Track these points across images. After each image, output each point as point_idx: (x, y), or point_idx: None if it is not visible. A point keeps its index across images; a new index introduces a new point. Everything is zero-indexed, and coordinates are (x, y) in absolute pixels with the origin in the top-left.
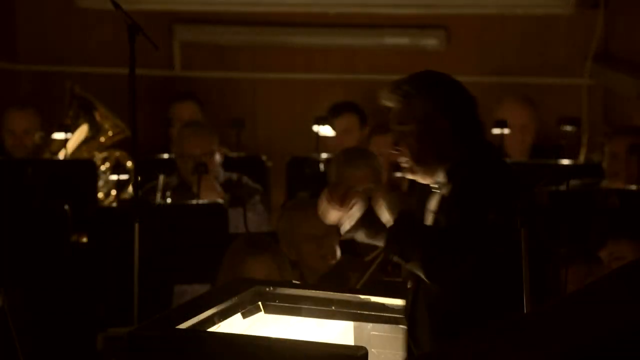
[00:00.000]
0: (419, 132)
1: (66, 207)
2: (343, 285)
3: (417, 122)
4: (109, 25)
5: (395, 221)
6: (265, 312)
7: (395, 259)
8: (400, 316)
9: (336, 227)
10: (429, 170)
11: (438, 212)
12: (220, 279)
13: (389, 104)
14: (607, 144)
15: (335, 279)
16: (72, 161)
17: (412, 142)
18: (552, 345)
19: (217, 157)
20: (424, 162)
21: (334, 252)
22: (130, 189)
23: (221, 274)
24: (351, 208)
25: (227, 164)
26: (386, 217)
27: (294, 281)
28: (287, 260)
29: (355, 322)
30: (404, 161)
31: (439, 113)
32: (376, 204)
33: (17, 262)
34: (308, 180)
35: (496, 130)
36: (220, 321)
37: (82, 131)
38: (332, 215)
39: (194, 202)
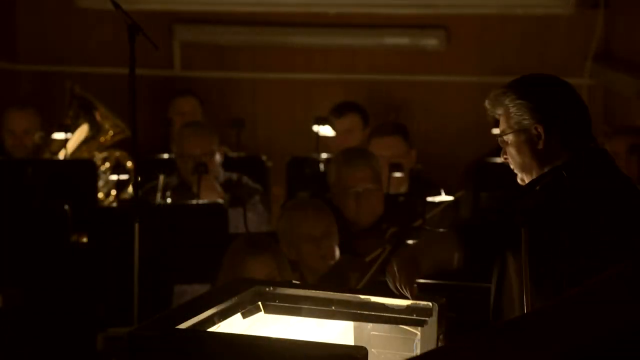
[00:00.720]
0: (517, 141)
1: (66, 207)
2: (343, 285)
3: (513, 131)
4: (109, 25)
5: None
6: (265, 312)
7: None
8: (401, 316)
9: (335, 228)
10: (536, 175)
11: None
12: (220, 279)
13: (491, 114)
14: (607, 144)
15: (335, 279)
16: (72, 161)
17: (512, 151)
18: (552, 345)
19: (218, 157)
20: (527, 171)
21: (333, 252)
22: (130, 189)
23: (221, 274)
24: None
25: (227, 164)
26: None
27: (294, 281)
28: (286, 260)
29: (355, 322)
30: (513, 168)
31: (535, 121)
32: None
33: (17, 262)
34: (308, 180)
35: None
36: (220, 321)
37: (82, 131)
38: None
39: (194, 202)
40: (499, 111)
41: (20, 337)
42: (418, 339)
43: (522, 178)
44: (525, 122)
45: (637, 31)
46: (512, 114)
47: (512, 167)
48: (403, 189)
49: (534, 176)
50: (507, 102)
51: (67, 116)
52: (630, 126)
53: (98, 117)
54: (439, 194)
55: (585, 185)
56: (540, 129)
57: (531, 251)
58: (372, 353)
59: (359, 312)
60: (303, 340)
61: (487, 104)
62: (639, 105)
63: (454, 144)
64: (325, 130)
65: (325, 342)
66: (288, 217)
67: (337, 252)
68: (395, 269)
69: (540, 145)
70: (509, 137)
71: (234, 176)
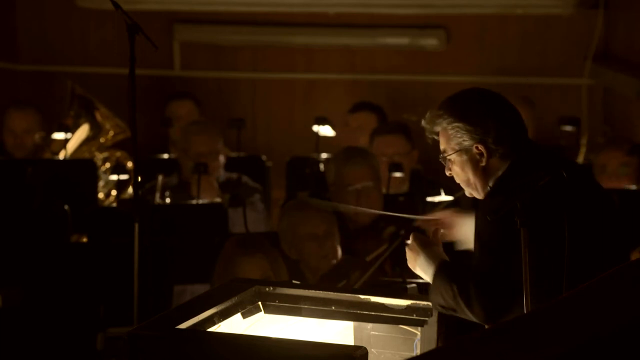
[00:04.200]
0: (459, 161)
1: (66, 207)
2: (343, 285)
3: (455, 152)
4: (109, 25)
5: (435, 279)
6: (265, 312)
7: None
8: (401, 316)
9: (336, 227)
10: (481, 190)
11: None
12: (215, 280)
13: (430, 135)
14: (598, 156)
15: (336, 278)
16: (72, 161)
17: (456, 169)
18: (552, 345)
19: (221, 158)
20: (472, 186)
21: (335, 251)
22: (130, 189)
23: (215, 275)
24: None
25: (227, 164)
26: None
27: (294, 281)
28: (281, 260)
29: (355, 322)
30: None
31: (474, 142)
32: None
33: (17, 262)
34: (308, 180)
35: None
36: (220, 321)
37: (83, 131)
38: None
39: (194, 202)
40: (437, 132)
41: (20, 337)
42: (418, 339)
43: (470, 192)
44: (466, 142)
45: (637, 31)
46: (452, 136)
47: (457, 181)
48: (403, 189)
49: (480, 191)
50: (444, 124)
51: (68, 116)
52: (622, 138)
53: (99, 117)
54: (439, 194)
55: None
56: (481, 148)
57: (531, 251)
58: (372, 353)
59: (359, 312)
60: (303, 340)
61: (424, 124)
62: (639, 106)
63: None
64: (325, 130)
65: (325, 342)
66: (290, 216)
67: (339, 252)
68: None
69: (484, 162)
70: (452, 157)
71: (234, 176)
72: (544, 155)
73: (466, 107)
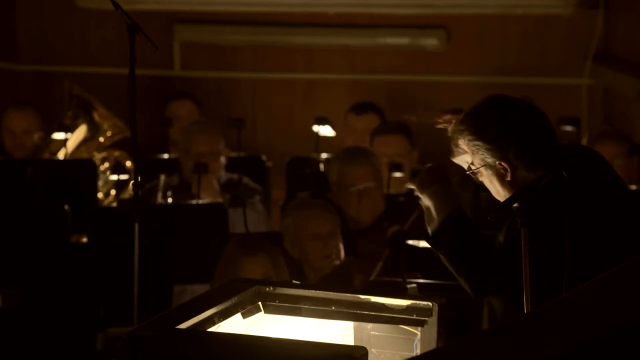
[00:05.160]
0: (485, 175)
1: (66, 207)
2: (346, 287)
3: (480, 167)
4: (109, 25)
5: (446, 221)
6: (265, 312)
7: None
8: (401, 316)
9: (339, 228)
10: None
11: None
12: (216, 280)
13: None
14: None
15: (338, 280)
16: (72, 161)
17: (484, 181)
18: (551, 345)
19: (222, 159)
20: (502, 198)
21: (339, 252)
22: (130, 189)
23: (217, 275)
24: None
25: (227, 164)
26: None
27: (294, 281)
28: (283, 260)
29: (355, 322)
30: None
31: (496, 159)
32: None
33: (17, 262)
34: (308, 180)
35: None
36: (220, 321)
37: (81, 131)
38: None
39: (194, 202)
40: (462, 146)
41: (20, 337)
42: (418, 339)
43: (498, 194)
44: (488, 160)
45: (637, 31)
46: (474, 152)
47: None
48: (403, 189)
49: (504, 192)
50: (466, 141)
51: (66, 116)
52: (615, 132)
53: (97, 117)
54: None
55: (582, 187)
56: (504, 164)
57: (531, 251)
58: (372, 353)
59: (359, 312)
60: (303, 340)
61: (450, 134)
62: (639, 106)
63: None
64: (325, 130)
65: (325, 342)
66: (294, 216)
67: (342, 252)
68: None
69: (509, 177)
70: (478, 171)
71: (235, 176)
72: (573, 162)
73: (485, 124)
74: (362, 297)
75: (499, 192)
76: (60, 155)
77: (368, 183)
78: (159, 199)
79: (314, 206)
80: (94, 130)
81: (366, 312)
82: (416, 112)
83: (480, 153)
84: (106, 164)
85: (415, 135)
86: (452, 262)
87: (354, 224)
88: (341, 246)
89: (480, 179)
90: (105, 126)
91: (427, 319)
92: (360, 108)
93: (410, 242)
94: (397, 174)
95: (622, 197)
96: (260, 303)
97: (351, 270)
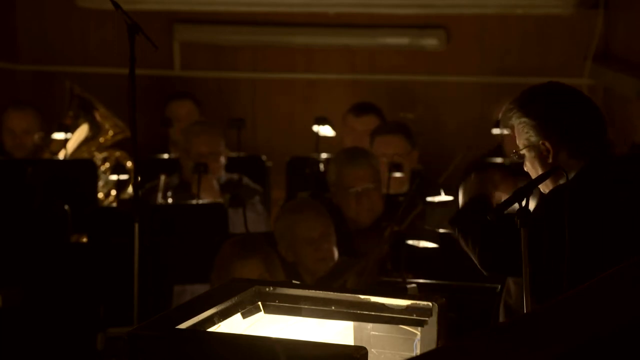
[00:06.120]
0: (529, 157)
1: (66, 207)
2: (341, 287)
3: (524, 148)
4: (109, 25)
5: (467, 203)
6: (265, 312)
7: (456, 236)
8: (401, 316)
9: (332, 229)
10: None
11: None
12: (214, 281)
13: (506, 130)
14: None
15: (333, 281)
16: (72, 161)
17: (527, 165)
18: (552, 345)
19: (222, 159)
20: (543, 182)
21: (332, 254)
22: (130, 189)
23: (213, 277)
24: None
25: (227, 164)
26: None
27: (294, 281)
28: (277, 261)
29: (355, 322)
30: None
31: (541, 138)
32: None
33: (17, 262)
34: (308, 180)
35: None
36: (220, 321)
37: (82, 131)
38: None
39: (194, 202)
40: (510, 127)
41: (20, 337)
42: (418, 339)
43: (544, 189)
44: (532, 139)
45: (637, 31)
46: (520, 132)
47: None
48: (403, 189)
49: (550, 187)
50: (513, 120)
51: (67, 116)
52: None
53: (98, 117)
54: (439, 194)
55: (593, 188)
56: (547, 145)
57: (532, 251)
58: (372, 353)
59: (359, 312)
60: (303, 340)
61: (500, 120)
62: (639, 105)
63: (454, 144)
64: (325, 130)
65: (325, 342)
66: (285, 220)
67: (336, 253)
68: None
69: (550, 159)
70: (523, 152)
71: (235, 177)
72: (621, 159)
73: (534, 103)
74: (362, 297)
75: (541, 176)
76: (61, 155)
77: (367, 184)
78: (159, 199)
79: (305, 210)
80: (95, 130)
81: (366, 312)
82: (414, 109)
83: (525, 131)
84: (107, 164)
85: (415, 134)
86: (468, 236)
87: (353, 224)
88: (334, 248)
89: (525, 163)
90: (106, 126)
91: (427, 319)
92: (359, 109)
93: (410, 242)
94: (397, 174)
95: None
96: (260, 303)
97: (345, 271)
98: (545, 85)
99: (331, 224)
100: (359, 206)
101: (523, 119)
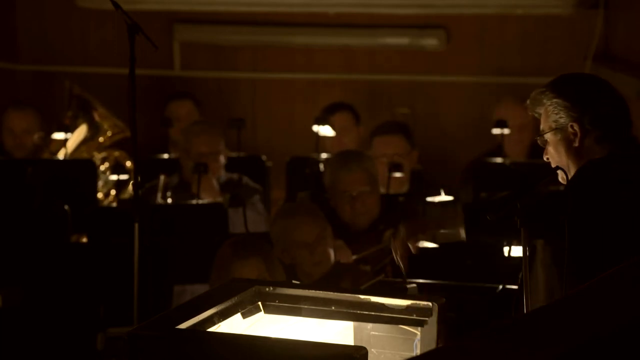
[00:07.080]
0: (554, 140)
1: (66, 207)
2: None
3: (550, 130)
4: (109, 25)
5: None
6: (265, 312)
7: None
8: (401, 316)
9: (328, 231)
10: (572, 172)
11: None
12: (213, 281)
13: (532, 113)
14: None
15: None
16: (72, 161)
17: (551, 150)
18: (552, 345)
19: (222, 159)
20: (566, 169)
21: (328, 257)
22: (130, 189)
23: (213, 277)
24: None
25: (227, 164)
26: None
27: (293, 281)
28: (277, 262)
29: (355, 322)
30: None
31: (570, 120)
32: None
33: (17, 262)
34: (308, 180)
35: (496, 130)
36: (220, 321)
37: (81, 131)
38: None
39: (194, 202)
40: (539, 110)
41: (20, 337)
42: (418, 339)
43: (562, 177)
44: (562, 120)
45: (637, 31)
46: (550, 113)
47: (552, 166)
48: (403, 189)
49: (572, 174)
50: (545, 100)
51: (66, 116)
52: None
53: (97, 117)
54: (439, 194)
55: (614, 180)
56: (576, 127)
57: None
58: (372, 353)
59: (358, 312)
60: (303, 340)
61: (528, 103)
62: (639, 105)
63: (453, 144)
64: (325, 131)
65: (325, 342)
66: (281, 224)
67: (332, 256)
68: (400, 237)
69: (577, 143)
70: (547, 136)
71: (235, 177)
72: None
73: (568, 85)
74: (362, 297)
75: (561, 161)
76: (60, 155)
77: (361, 188)
78: (159, 199)
79: (299, 214)
80: (94, 130)
81: (366, 312)
82: (410, 105)
83: (555, 112)
84: (106, 164)
85: (412, 132)
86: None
87: (350, 227)
88: (330, 251)
89: (548, 149)
90: (105, 126)
91: (427, 319)
92: (329, 110)
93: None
94: (397, 174)
95: None
96: (260, 303)
97: (340, 275)
98: (579, 73)
99: (327, 226)
100: (354, 210)
101: (555, 100)
